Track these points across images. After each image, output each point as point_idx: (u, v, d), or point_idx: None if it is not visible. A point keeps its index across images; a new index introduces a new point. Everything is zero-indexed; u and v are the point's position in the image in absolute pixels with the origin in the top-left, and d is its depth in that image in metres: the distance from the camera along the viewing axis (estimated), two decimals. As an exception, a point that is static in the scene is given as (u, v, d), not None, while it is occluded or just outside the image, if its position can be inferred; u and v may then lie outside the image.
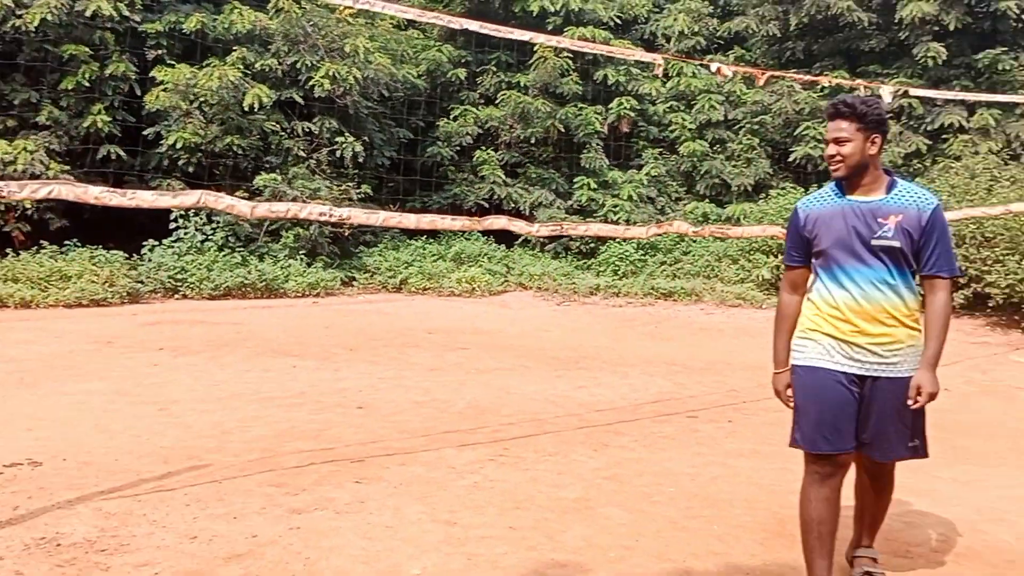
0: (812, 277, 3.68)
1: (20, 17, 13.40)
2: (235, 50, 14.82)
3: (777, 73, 11.38)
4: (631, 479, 5.32)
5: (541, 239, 16.90)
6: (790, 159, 17.73)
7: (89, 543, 4.11)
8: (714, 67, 7.89)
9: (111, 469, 5.22)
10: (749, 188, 17.71)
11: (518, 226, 6.42)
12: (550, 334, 11.30)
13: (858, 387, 3.52)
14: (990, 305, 12.37)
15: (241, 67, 14.60)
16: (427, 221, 5.83)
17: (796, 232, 3.67)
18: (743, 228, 10.84)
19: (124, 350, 9.18)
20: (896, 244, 3.44)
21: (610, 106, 17.94)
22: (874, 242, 3.45)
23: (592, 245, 16.87)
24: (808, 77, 14.28)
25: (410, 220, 5.90)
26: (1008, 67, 16.36)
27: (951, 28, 16.64)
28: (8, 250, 13.15)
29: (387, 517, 4.56)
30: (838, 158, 3.52)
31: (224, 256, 13.97)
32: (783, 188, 17.07)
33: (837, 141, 3.52)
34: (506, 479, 5.25)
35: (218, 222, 14.34)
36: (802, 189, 16.61)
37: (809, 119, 17.49)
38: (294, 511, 4.60)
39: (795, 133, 17.65)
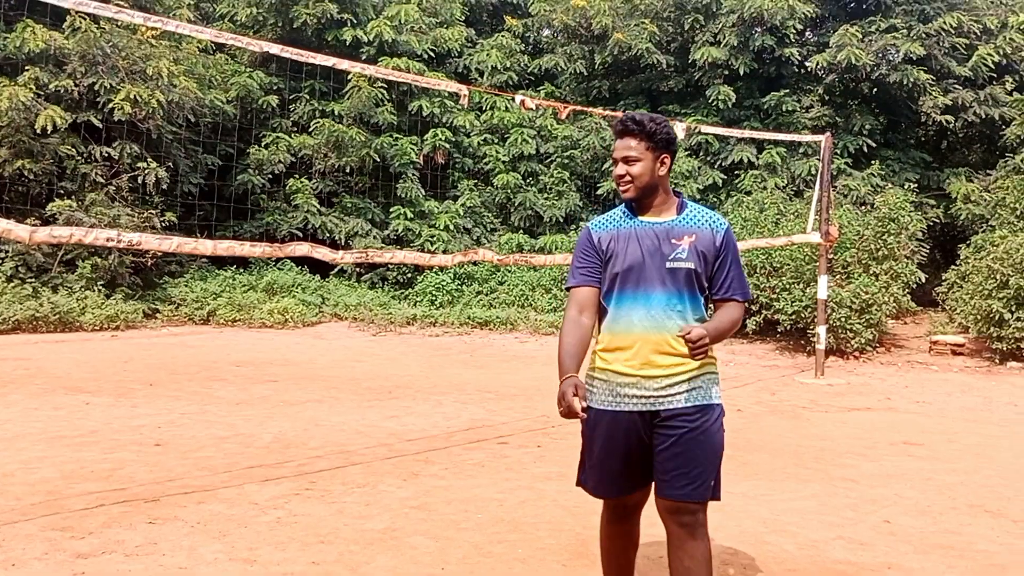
0: (601, 312, 3.40)
1: None
2: (27, 70, 13.93)
3: (580, 108, 11.82)
4: (439, 507, 5.35)
5: (357, 269, 16.77)
6: (599, 192, 18.44)
7: None
8: (518, 99, 8.12)
9: None
10: (561, 220, 18.28)
11: (322, 253, 6.34)
12: (364, 364, 11.20)
13: (648, 424, 3.27)
14: (779, 331, 13.28)
15: (33, 87, 13.75)
16: (224, 247, 5.67)
17: (588, 250, 3.40)
18: (546, 257, 11.16)
19: None
20: (691, 265, 3.23)
21: (425, 137, 18.10)
22: (669, 264, 3.23)
23: (409, 275, 16.90)
24: (611, 113, 14.93)
25: (207, 246, 5.71)
26: (792, 108, 17.71)
27: (740, 72, 17.88)
28: None
29: (181, 558, 4.37)
30: (628, 178, 3.31)
31: (13, 287, 13.05)
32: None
33: (626, 160, 3.31)
34: (311, 513, 5.16)
35: (7, 251, 13.39)
36: (610, 220, 17.31)
37: (616, 154, 18.28)
38: (80, 555, 4.34)
39: (603, 168, 18.39)
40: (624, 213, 3.41)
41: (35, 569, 4.16)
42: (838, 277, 13.45)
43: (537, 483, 5.97)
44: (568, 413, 3.12)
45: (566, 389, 3.17)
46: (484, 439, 7.28)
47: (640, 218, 3.36)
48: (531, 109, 8.97)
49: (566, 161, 18.81)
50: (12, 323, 12.52)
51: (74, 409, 7.85)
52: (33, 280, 13.47)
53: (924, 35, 17.03)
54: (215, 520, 4.95)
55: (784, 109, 17.74)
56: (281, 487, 5.65)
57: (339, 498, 5.47)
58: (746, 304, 3.38)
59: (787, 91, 17.99)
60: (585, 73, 19.80)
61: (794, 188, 16.89)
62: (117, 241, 4.33)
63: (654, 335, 3.22)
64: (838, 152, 16.71)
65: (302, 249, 5.96)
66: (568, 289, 3.48)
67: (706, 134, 16.44)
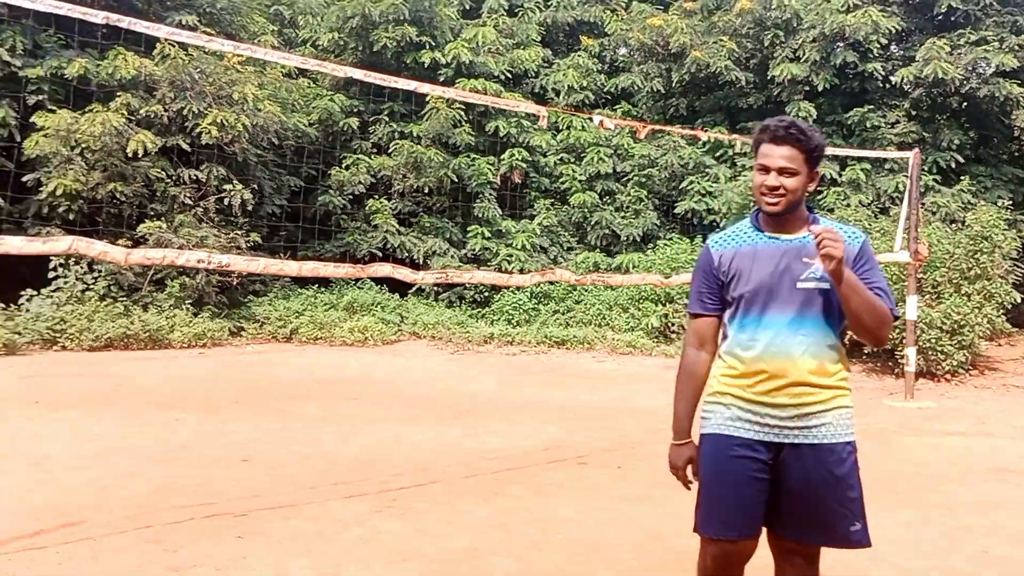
0: (722, 331, 3.16)
1: None
2: (119, 96, 14.47)
3: (658, 127, 11.79)
4: (519, 527, 5.34)
5: (435, 288, 16.93)
6: (676, 210, 18.30)
7: (-54, 610, 3.89)
8: (596, 119, 8.13)
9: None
10: (638, 238, 18.18)
11: (403, 274, 6.43)
12: (442, 383, 11.28)
13: (772, 458, 2.98)
14: (865, 352, 12.93)
15: (125, 113, 14.26)
16: (309, 268, 5.79)
17: (708, 274, 3.14)
18: (624, 276, 11.12)
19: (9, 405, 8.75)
20: (826, 285, 2.94)
21: (502, 157, 18.22)
22: (800, 284, 2.96)
23: (486, 294, 16.98)
24: (690, 131, 14.84)
25: (292, 267, 5.85)
26: (876, 124, 17.32)
27: (821, 88, 17.60)
28: None
29: (269, 573, 4.45)
30: (781, 191, 2.98)
31: (106, 306, 13.49)
32: (670, 239, 17.61)
33: (783, 171, 2.97)
34: (393, 530, 5.20)
35: (100, 271, 13.87)
36: (688, 240, 17.17)
37: (694, 173, 18.16)
38: (172, 568, 4.45)
39: (680, 186, 18.25)
40: (751, 228, 3.13)
41: (130, 580, 4.28)
42: (928, 297, 13.06)
43: (618, 504, 5.92)
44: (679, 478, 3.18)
45: (678, 461, 3.17)
46: (563, 459, 7.25)
47: (768, 234, 3.08)
48: (609, 129, 8.99)
49: (643, 180, 18.72)
50: (105, 340, 12.95)
51: (164, 425, 8.06)
52: (125, 299, 13.91)
53: (1017, 47, 16.51)
54: (301, 536, 5.03)
55: (868, 125, 17.36)
56: (364, 504, 5.71)
57: (420, 516, 5.50)
58: (894, 319, 3.01)
59: (871, 107, 17.60)
60: (662, 91, 19.71)
61: (879, 205, 16.48)
62: (207, 263, 4.46)
63: (783, 362, 2.94)
64: (926, 168, 16.26)
65: (384, 270, 6.04)
66: (691, 315, 3.24)
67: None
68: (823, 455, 2.95)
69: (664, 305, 15.09)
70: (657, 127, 11.41)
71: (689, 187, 18.00)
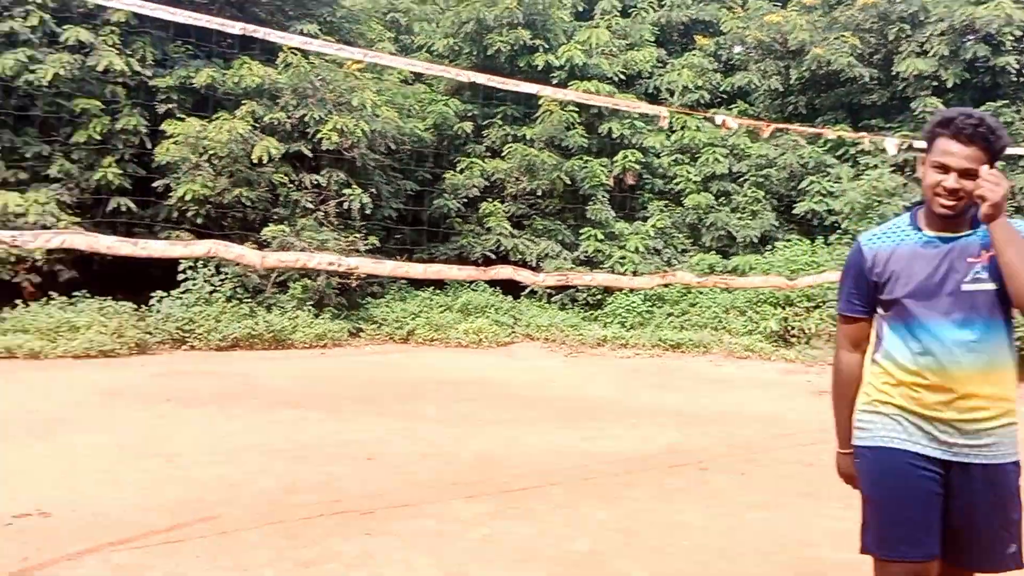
0: (875, 333, 2.98)
1: (34, 72, 13.62)
2: (244, 104, 15.00)
3: (781, 126, 11.48)
4: (642, 531, 5.28)
5: (548, 290, 16.93)
6: (795, 211, 17.82)
7: (96, 596, 4.08)
8: (719, 120, 7.98)
9: (120, 520, 5.19)
10: (755, 240, 17.77)
11: (524, 276, 6.46)
12: (557, 385, 11.27)
13: (942, 475, 2.79)
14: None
15: (250, 120, 14.77)
16: (433, 271, 5.87)
17: (859, 274, 2.94)
18: (746, 279, 10.87)
19: (132, 401, 9.17)
20: (992, 287, 2.72)
21: (615, 159, 18.09)
22: (965, 287, 2.73)
23: (599, 296, 16.88)
24: (812, 130, 14.42)
25: (417, 270, 5.94)
26: (1010, 120, 16.49)
27: (949, 84, 16.86)
28: (17, 301, 13.19)
29: (397, 571, 4.52)
30: (961, 194, 2.72)
31: (232, 307, 14.00)
32: (788, 240, 17.15)
33: (966, 173, 2.70)
34: (515, 532, 5.21)
35: (226, 273, 14.39)
36: (808, 241, 16.70)
37: (814, 173, 17.65)
38: (303, 564, 4.57)
39: (799, 187, 17.76)
40: (909, 226, 2.89)
41: (265, 573, 4.41)
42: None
43: (743, 512, 5.79)
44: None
45: (849, 470, 3.03)
46: (683, 464, 7.14)
47: (929, 233, 2.83)
48: (731, 129, 8.80)
49: (760, 180, 18.30)
50: (231, 340, 13.43)
51: (289, 423, 8.30)
52: (250, 300, 14.40)
53: None
54: (425, 535, 5.09)
55: (1001, 121, 16.53)
56: (485, 505, 5.75)
57: (541, 518, 5.50)
58: None
59: (1005, 102, 16.77)
60: (780, 89, 19.24)
61: (1015, 204, 15.68)
62: (338, 265, 4.57)
63: (949, 373, 2.72)
64: (1064, 164, 15.39)
65: (505, 272, 6.07)
66: (841, 316, 3.06)
67: (918, 150, 15.54)
68: (992, 476, 2.76)
69: (784, 308, 14.69)
70: (781, 126, 11.11)
71: (809, 187, 17.50)
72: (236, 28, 4.76)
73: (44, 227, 12.94)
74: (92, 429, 7.78)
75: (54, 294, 13.38)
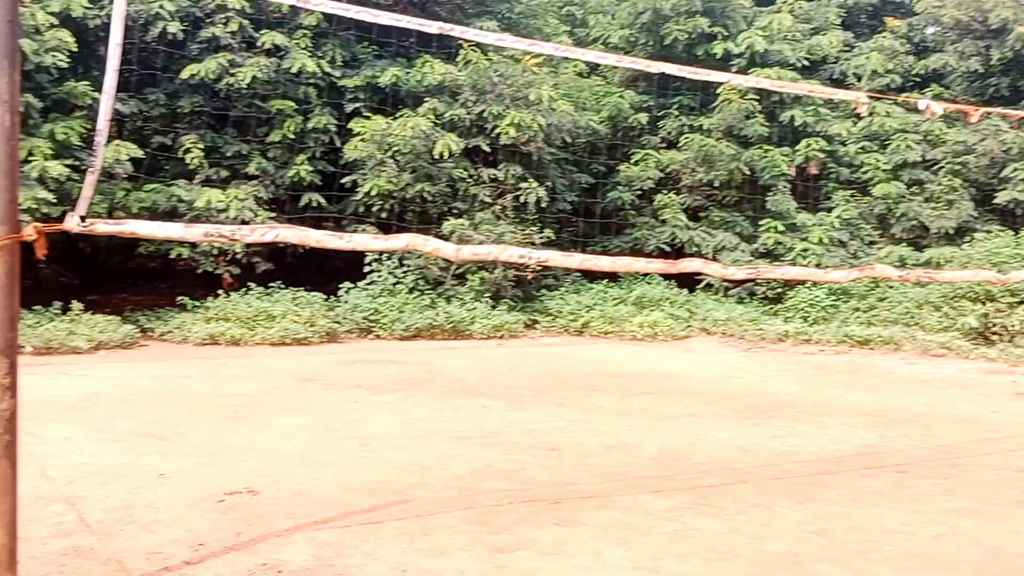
0: None
1: (233, 75, 14.49)
2: (426, 101, 15.44)
3: (990, 110, 10.73)
4: (841, 535, 5.06)
5: (725, 283, 16.55)
6: (996, 201, 16.66)
7: (308, 570, 4.29)
8: (923, 104, 7.52)
9: (321, 500, 5.45)
10: (951, 231, 16.74)
11: (712, 269, 6.32)
12: (739, 380, 10.99)
13: None
14: None
15: (432, 117, 15.18)
16: (622, 264, 5.85)
17: None
18: (952, 273, 10.23)
19: (324, 387, 9.62)
20: None
21: (797, 148, 17.47)
22: None
23: (779, 290, 16.34)
24: (1019, 113, 13.41)
25: (604, 262, 5.92)
26: None
27: None
28: (219, 292, 14.10)
29: (589, 561, 4.53)
30: None
31: (414, 298, 14.47)
32: (989, 231, 16.03)
33: None
34: (707, 528, 5.11)
35: (409, 265, 14.88)
36: (1012, 233, 15.55)
37: (1018, 159, 16.43)
38: (497, 550, 4.65)
39: (1001, 174, 16.59)
40: None
41: (460, 559, 4.51)
42: None
43: (949, 518, 5.46)
44: None
45: None
46: (880, 466, 6.80)
47: None
48: (934, 114, 8.26)
49: (957, 167, 17.21)
50: (413, 330, 13.88)
51: (473, 411, 8.48)
52: (431, 292, 14.84)
53: None
54: (615, 527, 5.07)
55: None
56: (673, 499, 5.67)
57: (733, 515, 5.37)
58: None
59: None
60: (980, 71, 18.03)
61: None
62: (528, 258, 4.62)
63: None
64: None
65: (694, 265, 5.96)
66: None
67: None
68: None
69: (984, 304, 13.74)
70: (990, 110, 10.39)
71: (1012, 175, 16.31)
72: (434, 27, 4.88)
73: (244, 222, 13.76)
74: (291, 412, 8.21)
75: (252, 285, 14.21)
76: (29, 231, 3.79)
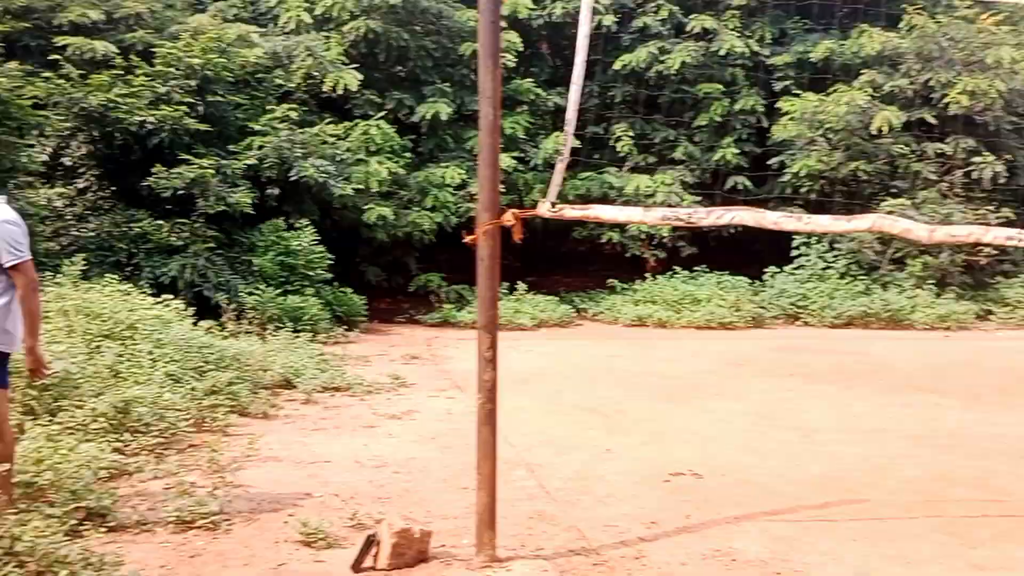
0: None
1: (662, 62, 14.69)
2: (863, 73, 14.45)
3: None
4: None
5: None
6: None
7: (763, 563, 4.15)
8: None
9: (768, 490, 5.27)
10: None
11: None
12: None
13: None
14: None
15: (869, 90, 14.19)
16: None
17: None
18: None
19: (756, 373, 9.41)
20: None
21: None
22: None
23: None
24: None
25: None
26: None
27: None
28: (646, 275, 14.43)
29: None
30: None
31: (846, 284, 13.68)
32: None
33: None
34: None
35: (840, 249, 14.11)
36: None
37: None
38: (975, 566, 4.15)
39: None
40: None
41: (932, 571, 4.10)
42: None
43: None
44: None
45: None
46: None
47: None
48: None
49: None
50: (845, 318, 13.11)
51: (923, 408, 7.76)
52: (864, 277, 13.91)
53: None
54: None
55: None
56: None
57: None
58: None
59: None
60: None
61: None
62: (1018, 240, 4.01)
63: None
64: None
65: None
66: None
67: None
68: None
69: None
70: None
71: None
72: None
73: (669, 206, 13.93)
74: (725, 396, 8.12)
75: (677, 268, 14.35)
76: (508, 217, 4.06)
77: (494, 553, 3.99)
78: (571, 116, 4.19)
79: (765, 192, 15.30)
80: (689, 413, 7.44)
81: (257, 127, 11.75)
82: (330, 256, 11.69)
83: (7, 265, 3.96)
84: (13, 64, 10.32)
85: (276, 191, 11.73)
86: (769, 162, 15.09)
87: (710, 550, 4.30)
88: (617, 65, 14.84)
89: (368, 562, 3.90)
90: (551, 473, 5.55)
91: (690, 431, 6.79)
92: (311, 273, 11.32)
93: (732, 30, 14.79)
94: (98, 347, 6.53)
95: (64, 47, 11.15)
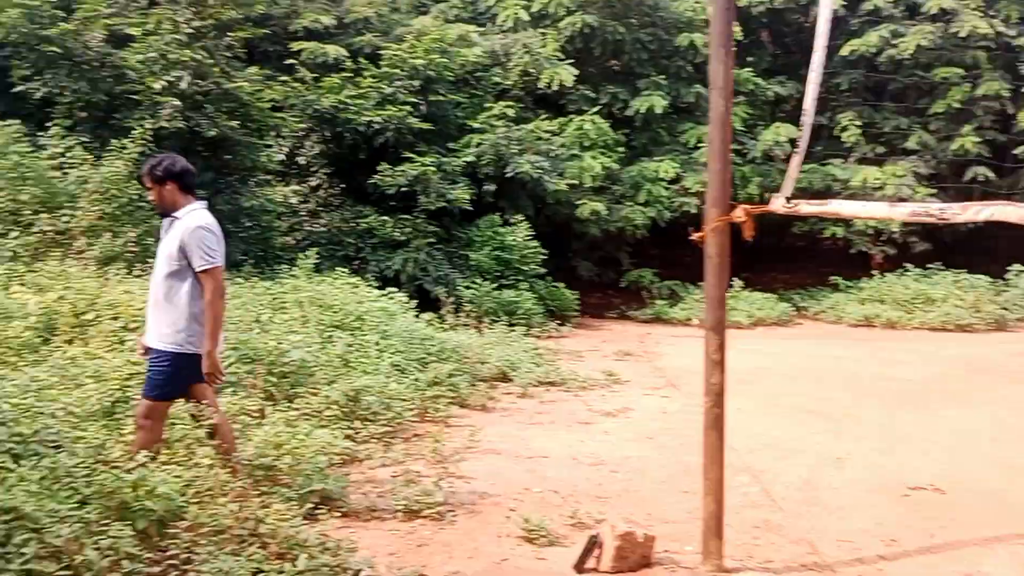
0: None
1: (895, 46, 13.80)
2: None
3: None
4: None
5: None
6: None
7: (1020, 592, 3.77)
8: None
9: (1020, 511, 4.80)
10: None
11: None
12: None
13: None
14: None
15: None
16: None
17: None
18: None
19: (999, 380, 8.67)
20: None
21: None
22: None
23: None
24: None
25: None
26: None
27: None
28: (872, 272, 13.62)
29: None
30: None
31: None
32: None
33: None
34: None
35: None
36: None
37: None
38: None
39: None
40: None
41: None
42: None
43: None
44: None
45: None
46: None
47: None
48: None
49: None
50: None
51: None
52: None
53: None
54: None
55: None
56: None
57: None
58: None
59: None
60: None
61: None
62: None
63: None
64: None
65: None
66: None
67: None
68: None
69: None
70: None
71: None
72: None
73: (900, 199, 13.09)
74: (964, 404, 7.52)
75: (908, 266, 13.44)
76: (738, 213, 3.88)
77: (721, 563, 3.85)
78: (809, 106, 3.96)
79: (1009, 184, 14.05)
80: (925, 420, 6.91)
81: (475, 125, 12.06)
82: (543, 251, 11.82)
83: (197, 270, 4.00)
84: (253, 69, 11.09)
85: (492, 187, 11.96)
86: (1014, 151, 13.85)
87: (957, 572, 3.95)
88: (845, 51, 14.09)
89: (591, 563, 3.85)
90: (775, 479, 5.31)
91: (928, 440, 6.30)
92: (525, 268, 11.48)
93: (974, 10, 13.66)
94: (330, 337, 6.88)
95: (299, 52, 11.89)
